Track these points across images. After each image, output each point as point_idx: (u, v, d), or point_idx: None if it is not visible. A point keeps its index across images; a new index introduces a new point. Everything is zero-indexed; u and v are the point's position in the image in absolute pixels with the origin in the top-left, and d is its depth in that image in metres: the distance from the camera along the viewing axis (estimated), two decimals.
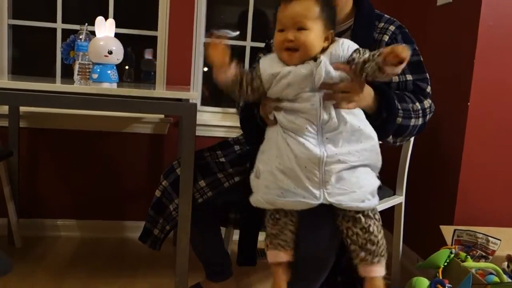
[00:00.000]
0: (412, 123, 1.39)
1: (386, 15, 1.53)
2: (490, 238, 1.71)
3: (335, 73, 1.17)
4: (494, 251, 1.70)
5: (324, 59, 1.17)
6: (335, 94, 1.18)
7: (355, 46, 1.21)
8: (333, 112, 1.18)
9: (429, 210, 2.10)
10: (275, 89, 1.21)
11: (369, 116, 1.28)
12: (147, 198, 2.41)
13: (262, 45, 1.75)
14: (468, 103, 1.84)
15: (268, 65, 1.22)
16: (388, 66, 1.09)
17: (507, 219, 1.92)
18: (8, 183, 2.15)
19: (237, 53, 2.64)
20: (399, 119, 1.35)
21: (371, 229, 1.21)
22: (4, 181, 2.14)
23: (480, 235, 1.73)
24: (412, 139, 1.90)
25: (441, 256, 1.65)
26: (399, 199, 1.95)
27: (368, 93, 1.26)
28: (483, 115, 1.86)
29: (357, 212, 1.21)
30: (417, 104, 1.41)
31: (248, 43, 2.57)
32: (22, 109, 2.28)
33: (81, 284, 1.91)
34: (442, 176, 2.02)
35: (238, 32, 2.64)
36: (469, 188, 1.89)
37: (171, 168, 1.65)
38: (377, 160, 1.25)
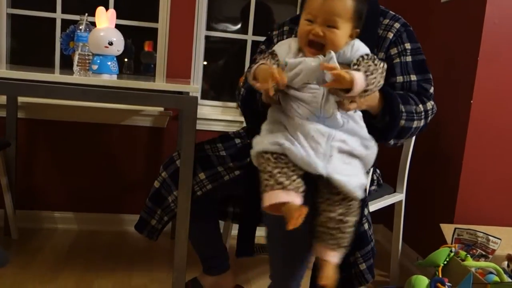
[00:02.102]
0: (414, 125, 1.38)
1: (391, 12, 1.51)
2: (490, 237, 1.71)
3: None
4: (494, 250, 1.69)
5: (333, 54, 1.16)
6: (338, 91, 1.16)
7: (365, 50, 1.20)
8: (336, 111, 1.17)
9: (430, 208, 2.09)
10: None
11: (373, 118, 1.28)
12: (145, 192, 2.39)
13: (264, 39, 1.73)
14: (471, 101, 1.83)
15: (284, 52, 1.22)
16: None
17: (508, 218, 1.91)
18: (5, 174, 2.13)
19: (237, 47, 2.63)
20: (402, 121, 1.34)
21: (347, 219, 1.18)
22: (1, 172, 2.12)
23: (481, 234, 1.73)
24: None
25: (441, 255, 1.65)
26: (399, 196, 1.94)
27: (374, 95, 1.25)
28: (485, 113, 1.85)
29: (344, 198, 1.18)
30: (420, 106, 1.40)
31: (250, 37, 2.54)
32: (20, 99, 2.25)
33: (78, 277, 1.90)
34: (443, 174, 2.01)
35: (239, 25, 2.62)
36: (470, 186, 1.89)
37: (170, 160, 1.64)
38: (372, 160, 1.24)
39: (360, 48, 1.19)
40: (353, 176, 1.17)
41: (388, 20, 1.47)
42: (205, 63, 2.56)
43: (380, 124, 1.30)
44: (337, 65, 1.13)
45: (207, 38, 2.52)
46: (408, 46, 1.45)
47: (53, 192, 2.41)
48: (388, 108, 1.29)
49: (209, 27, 2.53)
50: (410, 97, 1.39)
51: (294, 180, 1.12)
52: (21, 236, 2.24)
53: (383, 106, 1.29)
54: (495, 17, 1.80)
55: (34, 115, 2.33)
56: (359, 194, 1.19)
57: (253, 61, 1.71)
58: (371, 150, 1.23)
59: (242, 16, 2.61)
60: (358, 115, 1.24)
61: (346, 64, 1.18)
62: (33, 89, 1.51)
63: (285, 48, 1.23)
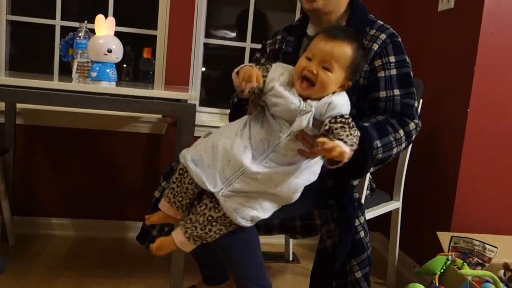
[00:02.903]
0: (394, 152, 1.41)
1: (379, 21, 1.51)
2: (487, 245, 1.71)
3: (311, 127, 1.19)
4: (490, 259, 1.69)
5: (313, 111, 1.18)
6: (304, 142, 1.20)
7: (340, 111, 1.20)
8: (290, 154, 1.21)
9: (426, 216, 2.09)
10: (267, 97, 1.24)
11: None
12: (143, 198, 2.40)
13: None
14: (468, 110, 1.84)
15: (276, 75, 1.23)
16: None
17: (504, 227, 1.91)
18: (2, 180, 2.13)
19: (236, 54, 2.64)
20: (379, 156, 1.37)
21: (214, 224, 1.23)
22: None
23: (477, 243, 1.73)
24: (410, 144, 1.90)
25: (438, 263, 1.65)
26: (396, 204, 1.94)
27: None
28: (482, 122, 1.86)
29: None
30: (400, 131, 1.41)
31: (248, 45, 2.56)
32: (19, 106, 2.26)
33: (75, 283, 1.89)
34: (439, 182, 2.01)
35: (235, 34, 2.64)
36: (466, 194, 1.89)
37: (170, 169, 1.64)
38: (288, 200, 1.26)
39: (337, 107, 1.19)
40: (245, 206, 1.21)
41: (374, 31, 1.47)
42: (203, 69, 2.57)
43: (353, 162, 1.29)
44: (310, 121, 1.17)
45: (205, 45, 2.53)
46: (392, 59, 1.45)
47: (50, 198, 2.41)
48: (361, 152, 1.26)
49: (207, 34, 2.55)
50: (389, 124, 1.40)
51: (182, 203, 1.29)
52: (18, 242, 2.23)
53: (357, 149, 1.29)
54: (492, 27, 1.81)
55: (32, 121, 2.34)
56: (240, 223, 1.22)
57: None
58: (283, 189, 1.23)
59: (237, 24, 2.62)
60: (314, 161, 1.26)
61: (317, 121, 1.19)
62: (31, 96, 1.52)
63: (279, 72, 1.24)
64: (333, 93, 1.22)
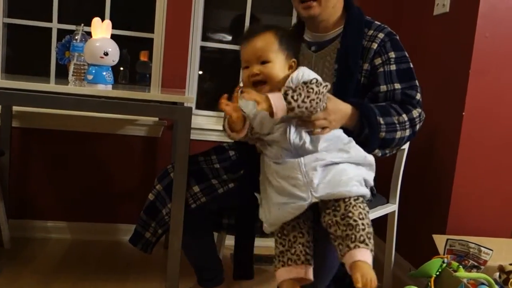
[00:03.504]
0: (398, 136, 1.41)
1: (376, 22, 1.52)
2: (482, 248, 1.71)
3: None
4: (486, 261, 1.70)
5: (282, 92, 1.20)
6: (305, 122, 1.22)
7: (308, 77, 1.22)
8: (306, 137, 1.22)
9: (422, 219, 2.10)
10: (254, 128, 1.28)
11: (351, 133, 1.30)
12: (139, 201, 2.39)
13: None
14: (463, 113, 1.85)
15: (243, 108, 1.27)
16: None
17: (500, 229, 1.92)
18: None
19: (233, 57, 2.64)
20: (382, 134, 1.37)
21: (350, 214, 1.16)
22: None
23: (473, 245, 1.73)
24: (406, 147, 1.91)
25: (433, 265, 1.65)
26: (392, 207, 1.95)
27: (343, 113, 1.30)
28: (477, 125, 1.87)
29: (337, 200, 1.19)
30: (404, 115, 1.41)
31: None
32: (15, 108, 2.26)
33: (70, 287, 1.88)
34: (435, 185, 2.02)
35: (231, 37, 2.64)
36: (462, 197, 1.90)
37: (165, 172, 1.63)
38: (363, 157, 1.26)
39: (304, 75, 1.23)
40: (340, 179, 1.19)
41: (372, 31, 1.49)
42: (200, 72, 2.57)
43: (361, 138, 1.32)
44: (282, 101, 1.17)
45: (202, 48, 2.54)
46: (392, 55, 1.47)
47: (46, 201, 2.40)
48: (365, 122, 1.32)
49: (204, 37, 2.55)
50: (392, 108, 1.41)
51: (296, 253, 1.22)
52: (13, 245, 2.23)
53: (360, 120, 1.32)
54: (486, 31, 1.82)
55: (28, 124, 2.33)
56: (355, 190, 1.18)
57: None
58: (351, 152, 1.25)
59: (232, 28, 2.63)
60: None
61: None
62: (28, 98, 1.52)
63: (243, 105, 1.27)
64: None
